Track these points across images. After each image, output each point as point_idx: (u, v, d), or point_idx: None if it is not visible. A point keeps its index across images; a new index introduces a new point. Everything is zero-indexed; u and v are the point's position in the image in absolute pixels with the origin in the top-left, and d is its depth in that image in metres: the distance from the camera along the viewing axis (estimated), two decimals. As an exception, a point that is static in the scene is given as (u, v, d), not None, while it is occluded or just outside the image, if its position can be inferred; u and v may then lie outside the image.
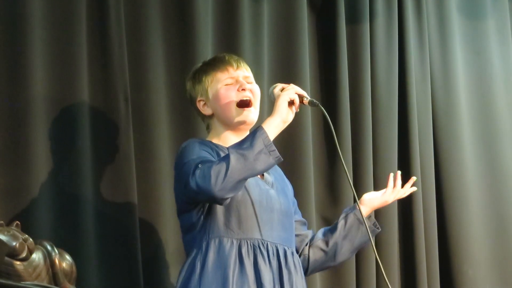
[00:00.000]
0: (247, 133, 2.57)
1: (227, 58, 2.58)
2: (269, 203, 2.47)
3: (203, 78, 2.58)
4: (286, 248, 2.48)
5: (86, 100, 2.98)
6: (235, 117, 2.52)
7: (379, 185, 3.68)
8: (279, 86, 2.50)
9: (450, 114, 3.98)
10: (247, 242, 2.41)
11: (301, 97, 2.43)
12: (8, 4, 2.86)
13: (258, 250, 2.41)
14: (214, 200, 2.34)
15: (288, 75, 3.51)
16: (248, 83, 2.56)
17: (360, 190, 3.61)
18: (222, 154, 2.46)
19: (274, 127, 2.37)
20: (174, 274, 3.07)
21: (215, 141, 2.56)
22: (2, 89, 2.83)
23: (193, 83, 2.61)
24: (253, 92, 2.55)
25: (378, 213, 3.65)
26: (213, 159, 2.39)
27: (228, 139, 2.54)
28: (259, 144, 2.31)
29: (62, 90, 2.94)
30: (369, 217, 2.68)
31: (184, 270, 2.44)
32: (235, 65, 2.57)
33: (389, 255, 3.66)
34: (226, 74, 2.55)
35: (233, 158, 2.28)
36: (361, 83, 3.70)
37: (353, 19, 3.74)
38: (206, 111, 2.58)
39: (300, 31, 3.56)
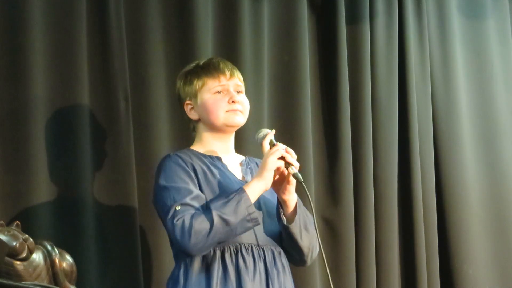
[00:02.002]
0: (231, 136, 2.60)
1: (221, 65, 2.57)
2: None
3: (194, 82, 2.57)
4: (273, 248, 2.49)
5: (86, 100, 2.98)
6: (222, 121, 2.53)
7: (379, 185, 3.69)
8: (269, 137, 2.47)
9: (450, 114, 3.98)
10: (229, 248, 2.43)
11: (286, 165, 2.42)
12: (8, 4, 2.86)
13: (239, 255, 2.42)
14: (189, 255, 2.40)
15: (288, 75, 3.51)
16: (238, 92, 2.57)
17: (360, 190, 3.62)
18: (201, 165, 2.48)
19: (257, 193, 2.41)
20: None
21: (198, 148, 2.57)
22: (2, 90, 2.83)
23: (184, 83, 2.60)
24: (243, 104, 2.56)
25: (378, 213, 3.66)
26: (189, 191, 2.39)
27: (212, 145, 2.57)
28: (242, 212, 2.35)
29: (62, 90, 2.94)
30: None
31: (169, 283, 2.49)
32: (228, 74, 2.56)
33: (389, 255, 3.66)
34: (217, 82, 2.55)
35: (216, 222, 2.33)
36: (361, 83, 3.70)
37: (353, 19, 3.74)
38: (193, 115, 2.58)
39: (300, 31, 3.56)
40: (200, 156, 2.54)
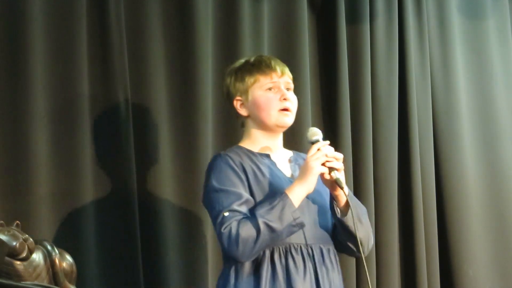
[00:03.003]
0: (279, 135, 2.64)
1: (273, 63, 2.61)
2: (299, 205, 2.48)
3: (246, 78, 2.61)
4: (322, 246, 2.53)
5: (86, 100, 2.98)
6: (273, 121, 2.57)
7: (379, 185, 3.68)
8: (319, 144, 2.48)
9: (450, 113, 3.97)
10: (279, 248, 2.47)
11: (330, 169, 2.46)
12: (9, 3, 2.86)
13: (289, 255, 2.47)
14: (239, 261, 2.45)
15: (288, 75, 3.51)
16: (288, 89, 2.62)
17: (360, 190, 3.62)
18: (250, 164, 2.52)
19: (300, 197, 2.45)
20: (175, 274, 3.07)
21: (246, 144, 2.61)
22: (2, 89, 2.83)
23: (235, 80, 2.63)
24: (292, 102, 2.61)
25: (378, 213, 3.66)
26: (237, 196, 2.44)
27: (260, 141, 2.61)
28: (287, 218, 2.40)
29: (62, 90, 2.94)
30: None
31: (219, 281, 2.53)
32: (279, 71, 2.61)
33: (389, 255, 3.66)
34: (269, 79, 2.59)
35: (262, 229, 2.38)
36: (361, 83, 3.70)
37: (353, 19, 3.74)
38: (243, 111, 2.62)
39: (300, 31, 3.56)
40: (249, 154, 2.58)
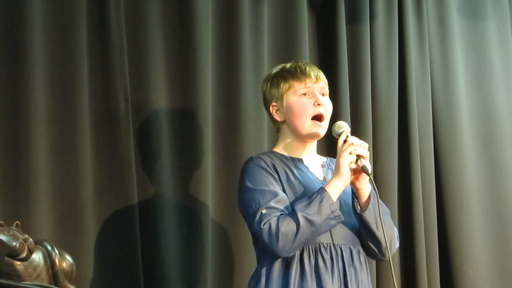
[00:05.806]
0: (313, 144, 2.68)
1: (307, 69, 2.64)
2: None
3: (281, 84, 2.65)
4: (351, 247, 2.56)
5: (86, 100, 2.98)
6: (306, 130, 2.60)
7: (379, 185, 3.68)
8: (344, 135, 2.53)
9: (450, 114, 3.97)
10: (308, 248, 2.50)
11: (357, 157, 2.49)
12: (8, 4, 2.86)
13: (319, 255, 2.50)
14: (279, 257, 2.48)
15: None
16: (323, 95, 2.64)
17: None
18: (283, 167, 2.56)
19: (338, 190, 2.48)
20: (175, 274, 3.07)
21: (280, 150, 2.65)
22: (2, 90, 2.83)
23: (271, 86, 2.68)
24: (326, 108, 2.63)
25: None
26: (273, 194, 2.47)
27: (294, 147, 2.65)
28: (325, 211, 2.43)
29: (62, 90, 2.94)
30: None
31: (252, 281, 2.56)
32: (314, 77, 2.63)
33: (389, 255, 3.66)
34: (303, 85, 2.62)
35: (301, 223, 2.41)
36: (361, 83, 3.70)
37: (353, 19, 3.74)
38: (278, 117, 2.66)
39: (300, 31, 3.56)
40: (282, 158, 2.62)
